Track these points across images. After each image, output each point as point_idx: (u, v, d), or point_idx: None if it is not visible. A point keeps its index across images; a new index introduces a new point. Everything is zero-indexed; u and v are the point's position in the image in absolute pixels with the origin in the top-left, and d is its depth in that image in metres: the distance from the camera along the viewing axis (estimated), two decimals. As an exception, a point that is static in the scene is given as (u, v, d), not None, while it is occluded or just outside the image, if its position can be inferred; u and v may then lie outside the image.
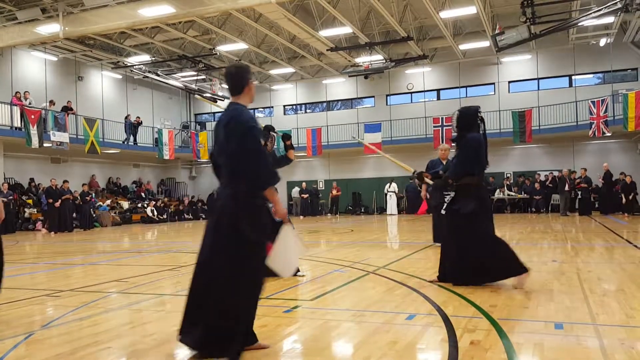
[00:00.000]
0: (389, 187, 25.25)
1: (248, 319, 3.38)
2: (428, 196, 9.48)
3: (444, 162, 9.22)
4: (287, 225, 3.59)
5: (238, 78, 3.57)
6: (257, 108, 31.21)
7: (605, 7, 15.95)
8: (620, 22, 20.63)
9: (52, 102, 21.47)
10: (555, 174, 22.25)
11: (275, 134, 6.30)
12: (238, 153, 3.34)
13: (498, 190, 24.10)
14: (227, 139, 3.40)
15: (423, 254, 8.55)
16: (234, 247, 3.31)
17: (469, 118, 5.70)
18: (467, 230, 5.40)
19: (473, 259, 5.37)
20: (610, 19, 19.36)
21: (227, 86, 3.64)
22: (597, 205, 21.46)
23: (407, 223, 18.23)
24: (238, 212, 3.33)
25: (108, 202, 23.20)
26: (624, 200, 18.73)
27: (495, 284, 5.52)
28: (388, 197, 25.22)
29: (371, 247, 10.52)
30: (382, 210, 26.36)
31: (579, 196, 20.42)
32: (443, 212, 5.75)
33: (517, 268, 5.30)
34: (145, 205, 24.68)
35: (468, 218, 5.40)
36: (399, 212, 25.48)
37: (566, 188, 20.16)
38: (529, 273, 5.36)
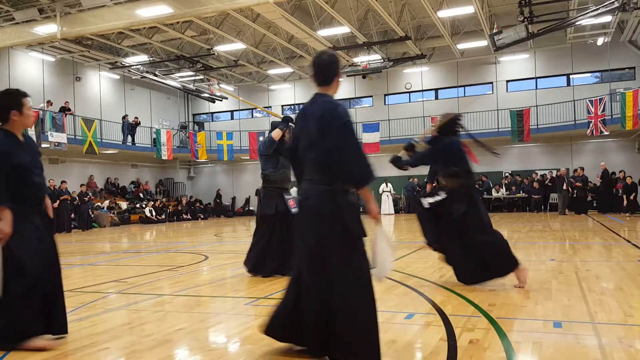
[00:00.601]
0: (385, 187, 25.25)
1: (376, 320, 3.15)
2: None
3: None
4: (380, 226, 3.47)
5: (330, 67, 3.34)
6: (255, 108, 31.21)
7: (602, 7, 15.98)
8: (618, 21, 20.66)
9: (49, 102, 21.43)
10: (554, 173, 22.28)
11: (293, 125, 6.34)
12: (337, 149, 3.17)
13: (494, 190, 24.13)
14: (322, 133, 3.20)
15: (422, 254, 8.55)
16: (347, 246, 3.18)
17: (451, 124, 5.78)
18: (466, 230, 5.43)
19: (477, 256, 5.39)
20: (607, 18, 19.39)
21: (314, 74, 3.38)
22: (594, 205, 21.50)
23: (405, 223, 18.24)
24: (342, 209, 3.22)
25: (107, 202, 23.18)
26: (625, 201, 18.68)
27: (495, 284, 5.52)
28: (385, 197, 25.21)
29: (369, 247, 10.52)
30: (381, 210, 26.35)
31: (574, 195, 20.42)
32: (427, 205, 5.80)
33: (514, 262, 5.36)
34: (144, 205, 24.67)
35: (462, 219, 5.44)
36: (397, 211, 25.48)
37: (564, 187, 20.18)
38: (527, 269, 5.42)
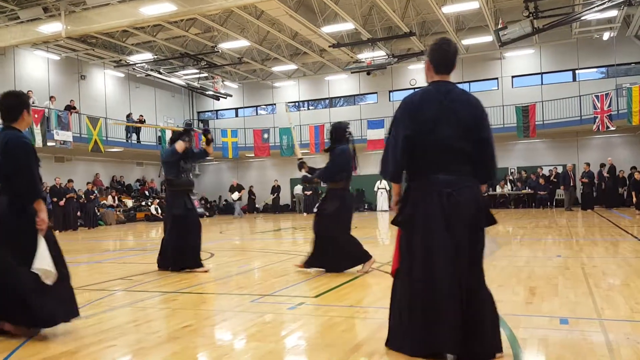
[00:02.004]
0: (380, 183, 25.25)
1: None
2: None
3: None
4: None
5: (455, 55, 3.30)
6: (260, 105, 31.23)
7: (608, 1, 15.88)
8: (624, 15, 20.52)
9: (52, 98, 21.45)
10: (560, 169, 22.18)
11: (195, 131, 7.37)
12: (489, 143, 3.17)
13: (499, 186, 24.07)
14: (477, 125, 3.15)
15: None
16: (482, 241, 3.17)
17: (340, 132, 6.53)
18: (331, 227, 6.34)
19: (340, 247, 6.33)
20: (613, 13, 19.26)
21: (453, 62, 3.28)
22: (600, 200, 21.39)
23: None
24: (483, 204, 3.18)
25: (111, 198, 23.19)
26: (634, 198, 18.47)
27: (502, 281, 5.51)
28: (379, 193, 25.20)
29: (375, 244, 10.52)
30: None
31: (581, 191, 20.30)
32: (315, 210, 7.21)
33: (365, 256, 6.37)
34: (149, 203, 24.73)
35: (332, 216, 6.35)
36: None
37: (570, 183, 20.08)
38: (373, 259, 6.40)
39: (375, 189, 25.25)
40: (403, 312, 3.13)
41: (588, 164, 20.77)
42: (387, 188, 25.17)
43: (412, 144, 3.11)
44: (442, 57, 3.24)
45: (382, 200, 25.09)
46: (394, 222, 3.29)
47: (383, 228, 14.88)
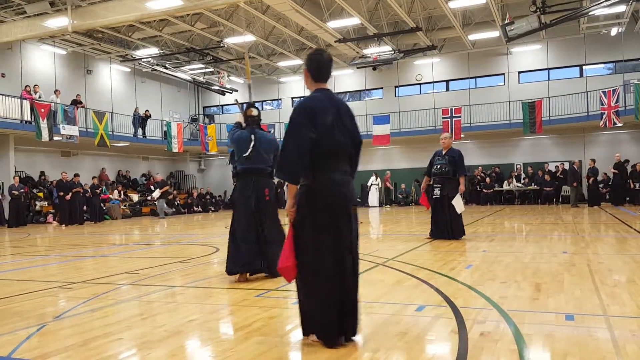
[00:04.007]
0: (375, 180, 25.27)
1: None
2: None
3: (444, 152, 9.28)
4: None
5: (331, 65, 3.68)
6: (265, 100, 31.22)
7: (616, -4, 15.76)
8: (632, 11, 20.37)
9: (57, 91, 21.50)
10: (566, 165, 22.08)
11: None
12: (360, 146, 3.68)
13: (505, 182, 24.00)
14: (355, 129, 3.63)
15: (432, 246, 8.54)
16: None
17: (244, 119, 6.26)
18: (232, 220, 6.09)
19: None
20: (621, 8, 19.13)
21: (327, 71, 3.67)
22: (607, 197, 21.31)
23: (416, 215, 18.19)
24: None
25: (116, 193, 23.27)
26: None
27: (506, 277, 5.50)
28: (374, 189, 25.21)
29: (380, 239, 10.52)
30: (391, 202, 26.33)
31: (588, 188, 20.21)
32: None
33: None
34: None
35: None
36: (381, 204, 25.55)
37: (578, 179, 19.98)
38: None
39: (369, 184, 25.26)
40: (319, 302, 3.38)
41: (593, 160, 20.65)
42: (379, 185, 25.24)
43: (312, 147, 3.39)
44: (318, 66, 3.55)
45: (373, 196, 25.18)
46: (291, 221, 3.45)
47: (401, 223, 14.87)
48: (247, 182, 5.98)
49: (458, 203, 9.03)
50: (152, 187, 22.26)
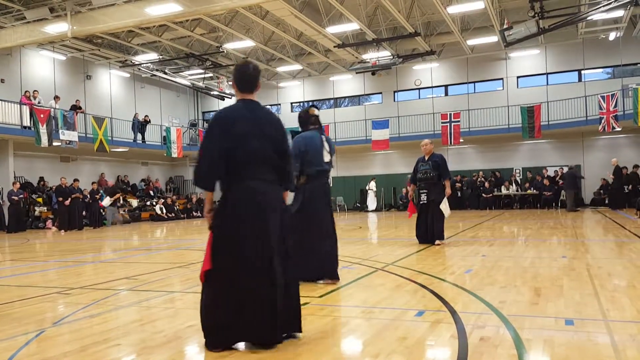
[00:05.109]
0: (373, 184, 25.36)
1: None
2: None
3: (427, 158, 9.32)
4: None
5: (259, 76, 3.77)
6: (265, 105, 31.19)
7: (614, 1, 15.81)
8: (630, 15, 20.44)
9: (57, 98, 21.52)
10: (565, 169, 22.08)
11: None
12: (289, 155, 3.76)
13: (504, 187, 24.00)
14: (279, 140, 3.66)
15: (431, 251, 8.53)
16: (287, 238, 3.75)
17: (303, 117, 6.03)
18: (298, 228, 5.42)
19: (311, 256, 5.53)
20: (619, 13, 19.19)
21: (255, 83, 3.77)
22: (606, 202, 21.31)
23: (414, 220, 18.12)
24: (285, 209, 3.76)
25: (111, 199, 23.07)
26: None
27: (506, 282, 5.50)
28: (372, 193, 25.27)
29: (379, 244, 10.52)
30: (389, 207, 26.33)
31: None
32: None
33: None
34: (154, 203, 24.79)
35: (296, 217, 5.50)
36: (379, 208, 25.64)
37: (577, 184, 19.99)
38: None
39: (367, 188, 25.31)
40: (210, 309, 3.45)
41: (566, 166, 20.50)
42: (374, 189, 25.35)
43: (227, 156, 3.49)
44: (242, 77, 3.67)
45: (370, 200, 25.32)
46: (210, 227, 3.58)
47: (400, 229, 14.86)
48: (322, 185, 5.83)
49: (445, 207, 9.08)
50: (102, 193, 20.93)
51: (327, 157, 5.83)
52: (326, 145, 5.85)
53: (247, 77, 3.65)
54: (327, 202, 5.92)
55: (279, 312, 3.42)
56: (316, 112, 6.00)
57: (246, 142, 3.50)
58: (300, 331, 3.64)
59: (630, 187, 19.75)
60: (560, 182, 22.05)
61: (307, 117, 5.94)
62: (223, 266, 3.43)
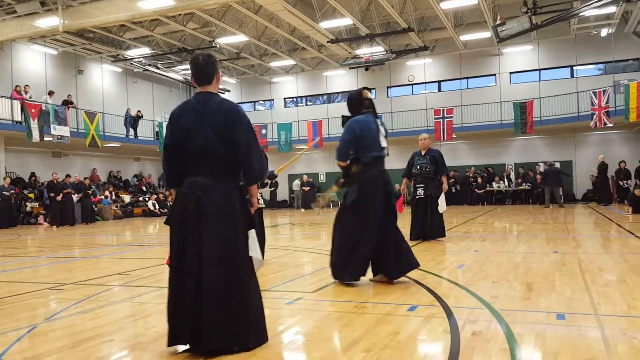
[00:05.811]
0: None
1: None
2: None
3: (424, 152, 9.28)
4: None
5: (213, 66, 3.52)
6: (258, 101, 31.19)
7: (606, -3, 15.87)
8: (622, 12, 20.52)
9: (51, 93, 21.40)
10: (558, 165, 22.18)
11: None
12: (240, 144, 3.39)
13: (494, 182, 24.09)
14: (228, 130, 3.34)
15: (424, 247, 8.56)
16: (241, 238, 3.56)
17: (354, 101, 5.55)
18: (348, 222, 5.28)
19: (357, 251, 5.23)
20: (611, 9, 19.27)
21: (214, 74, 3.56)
22: (595, 197, 21.45)
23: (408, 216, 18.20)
24: (239, 204, 3.52)
25: (107, 193, 23.12)
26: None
27: (498, 276, 5.52)
28: None
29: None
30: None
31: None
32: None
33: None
34: (147, 198, 24.71)
35: (349, 209, 5.31)
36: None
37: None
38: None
39: None
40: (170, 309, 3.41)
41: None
42: None
43: (173, 152, 3.44)
44: (195, 70, 3.50)
45: None
46: (166, 222, 3.56)
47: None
48: (380, 173, 5.43)
49: (442, 202, 9.06)
50: (94, 189, 20.87)
51: (384, 142, 5.40)
52: (382, 129, 5.41)
53: (198, 69, 3.48)
54: (387, 192, 5.44)
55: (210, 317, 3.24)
56: (369, 94, 5.56)
57: (189, 135, 3.36)
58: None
59: (627, 182, 19.81)
60: (539, 178, 21.95)
61: (360, 100, 5.47)
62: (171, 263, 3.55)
